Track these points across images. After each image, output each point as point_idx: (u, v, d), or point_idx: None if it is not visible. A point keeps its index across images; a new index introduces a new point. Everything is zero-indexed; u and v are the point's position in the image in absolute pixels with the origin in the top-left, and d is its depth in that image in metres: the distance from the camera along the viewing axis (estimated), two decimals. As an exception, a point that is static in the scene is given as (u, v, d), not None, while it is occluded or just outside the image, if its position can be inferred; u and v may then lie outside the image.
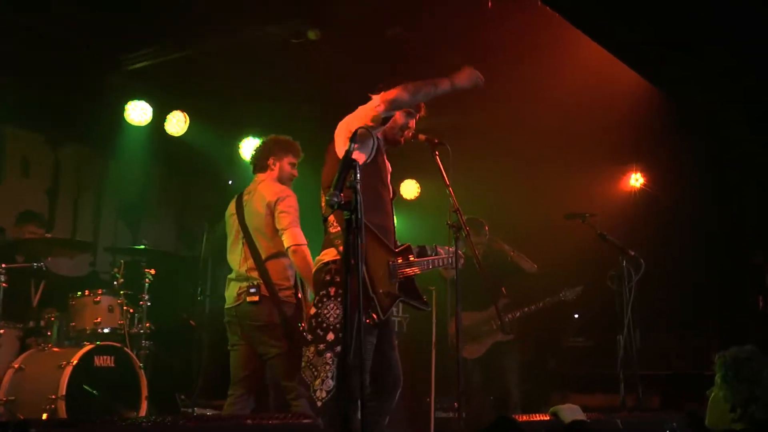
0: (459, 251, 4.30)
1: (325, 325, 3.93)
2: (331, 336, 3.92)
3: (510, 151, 8.49)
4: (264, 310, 4.70)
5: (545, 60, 6.93)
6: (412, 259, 4.21)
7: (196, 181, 8.56)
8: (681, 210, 8.64)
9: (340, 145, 4.01)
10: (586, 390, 7.41)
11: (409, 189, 9.53)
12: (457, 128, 7.49)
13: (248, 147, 8.18)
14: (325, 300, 3.97)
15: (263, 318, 4.71)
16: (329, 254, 4.04)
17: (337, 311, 3.93)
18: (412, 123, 4.44)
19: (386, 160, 4.39)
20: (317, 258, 4.15)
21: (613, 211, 8.49)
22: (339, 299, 3.93)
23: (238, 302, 4.81)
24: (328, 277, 3.98)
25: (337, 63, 7.17)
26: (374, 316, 3.97)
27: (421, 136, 4.46)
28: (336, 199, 3.22)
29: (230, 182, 8.36)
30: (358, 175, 3.27)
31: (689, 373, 7.32)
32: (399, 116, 4.33)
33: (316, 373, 3.88)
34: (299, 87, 7.64)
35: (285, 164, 4.92)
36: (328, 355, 3.90)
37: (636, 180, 9.21)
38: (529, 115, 7.87)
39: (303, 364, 3.95)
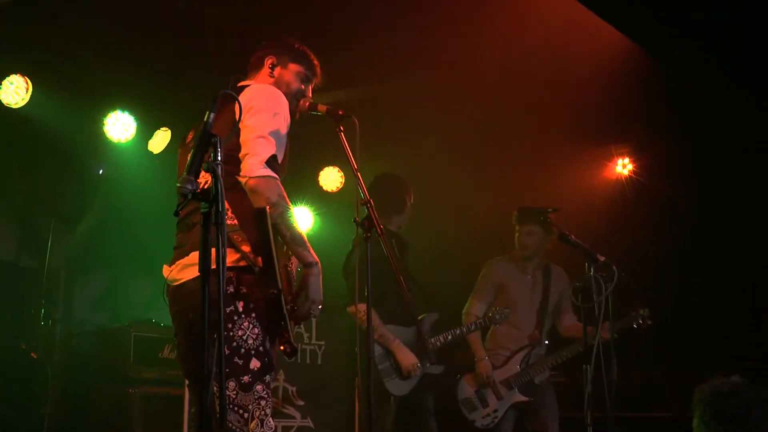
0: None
1: (243, 350, 3.89)
2: (255, 363, 3.90)
3: (451, 126, 8.55)
4: None
5: (498, 6, 7.00)
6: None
7: (43, 168, 8.41)
8: (679, 204, 8.81)
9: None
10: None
11: (331, 179, 9.57)
12: (380, 97, 7.52)
13: (115, 123, 8.06)
14: (235, 319, 3.91)
15: None
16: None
17: (256, 330, 3.90)
18: (309, 90, 4.46)
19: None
20: (192, 260, 4.02)
21: (593, 206, 8.65)
22: (254, 314, 3.90)
23: None
24: (231, 289, 3.92)
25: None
26: (291, 341, 4.00)
27: (321, 107, 4.51)
28: (190, 187, 3.17)
29: (100, 171, 8.26)
30: (219, 155, 3.21)
31: (682, 416, 7.38)
32: (291, 80, 4.43)
33: (247, 415, 3.85)
34: (180, 47, 7.60)
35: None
36: (259, 387, 3.90)
37: (623, 166, 9.38)
38: (478, 80, 7.95)
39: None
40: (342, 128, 4.44)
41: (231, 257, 3.92)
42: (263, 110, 4.03)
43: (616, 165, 9.37)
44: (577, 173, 9.07)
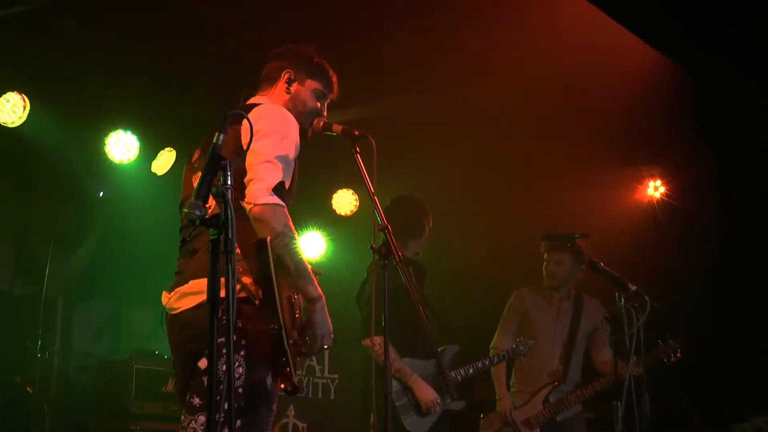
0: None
1: (221, 387, 3.85)
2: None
3: (472, 146, 8.55)
4: None
5: (524, 22, 7.04)
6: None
7: (41, 190, 8.44)
8: (714, 228, 8.74)
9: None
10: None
11: (344, 202, 9.57)
12: (396, 116, 7.51)
13: (117, 143, 8.10)
14: (224, 352, 3.87)
15: None
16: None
17: (240, 370, 3.85)
18: (324, 108, 4.45)
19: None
20: (190, 289, 4.03)
21: (622, 232, 8.60)
22: (243, 352, 3.85)
23: None
24: (225, 319, 3.91)
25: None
26: (291, 379, 3.94)
27: (336, 127, 4.47)
28: (198, 212, 3.15)
29: (102, 193, 8.28)
30: (230, 178, 3.20)
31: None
32: (308, 98, 4.37)
33: None
34: (186, 62, 7.63)
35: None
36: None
37: (655, 189, 9.36)
38: (500, 97, 7.92)
39: None
40: (358, 149, 4.41)
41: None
42: (271, 133, 3.95)
43: (648, 187, 9.34)
44: (606, 196, 9.05)
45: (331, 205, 9.55)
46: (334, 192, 9.55)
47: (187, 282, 4.00)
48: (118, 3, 6.93)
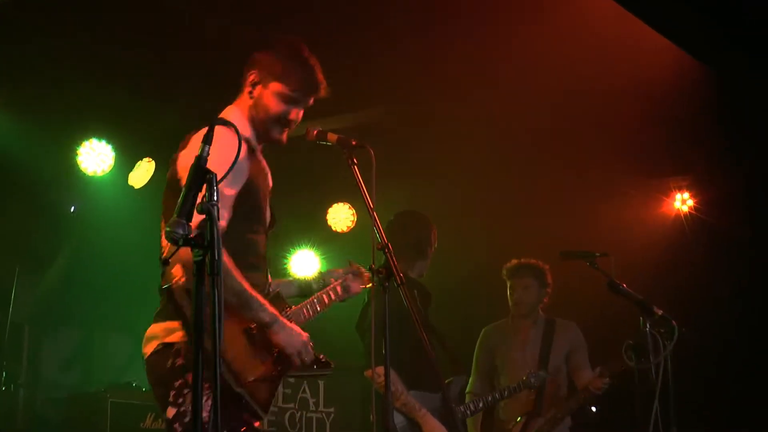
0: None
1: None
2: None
3: (481, 157, 8.56)
4: None
5: (536, 22, 7.03)
6: (288, 311, 4.33)
7: (6, 205, 8.44)
8: (747, 245, 8.77)
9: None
10: None
11: (340, 217, 9.58)
12: (397, 124, 7.52)
13: (90, 153, 8.10)
14: (185, 392, 3.94)
15: None
16: (176, 333, 4.02)
17: (209, 402, 3.89)
18: (297, 113, 4.38)
19: (264, 168, 4.37)
20: (150, 332, 4.13)
21: (646, 249, 8.61)
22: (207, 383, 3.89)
23: None
24: (180, 361, 3.99)
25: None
26: (253, 422, 4.03)
27: (331, 136, 4.48)
28: (181, 231, 3.15)
29: (72, 209, 8.25)
30: (215, 193, 3.21)
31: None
32: (271, 104, 4.32)
33: None
34: (167, 64, 7.65)
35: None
36: None
37: (682, 202, 9.39)
38: (512, 103, 7.94)
39: None
40: (355, 160, 4.42)
41: (180, 334, 4.02)
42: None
43: (674, 200, 9.38)
44: (628, 210, 9.07)
45: (326, 220, 9.56)
46: (329, 206, 9.56)
47: (152, 323, 4.15)
48: (97, 3, 6.96)
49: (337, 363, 4.49)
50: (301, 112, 4.43)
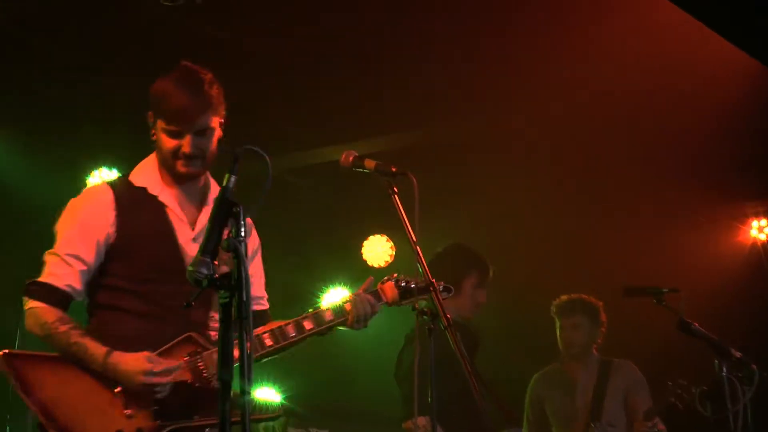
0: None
1: None
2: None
3: (531, 181, 8.56)
4: None
5: (602, 34, 7.02)
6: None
7: (5, 241, 8.49)
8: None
9: None
10: None
11: (378, 251, 9.55)
12: (438, 147, 7.51)
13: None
14: None
15: None
16: None
17: None
18: (188, 144, 4.30)
19: (164, 212, 4.39)
20: None
21: (718, 282, 8.54)
22: None
23: None
24: None
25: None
26: None
27: (369, 163, 4.51)
28: (205, 271, 3.18)
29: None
30: (243, 229, 3.22)
31: None
32: (161, 139, 4.37)
33: None
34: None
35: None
36: None
37: (760, 230, 9.33)
38: (565, 120, 7.97)
39: None
40: (396, 189, 4.42)
41: None
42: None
43: (751, 228, 9.33)
44: (700, 239, 9.04)
45: (362, 254, 9.53)
46: (365, 239, 9.53)
47: None
48: (106, 30, 7.12)
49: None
50: (194, 140, 4.32)
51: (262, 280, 4.69)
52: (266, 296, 4.70)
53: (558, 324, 7.24)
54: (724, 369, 5.66)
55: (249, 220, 4.22)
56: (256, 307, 4.21)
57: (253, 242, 4.56)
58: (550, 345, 7.41)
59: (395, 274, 4.68)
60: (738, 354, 5.68)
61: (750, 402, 5.59)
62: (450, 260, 6.57)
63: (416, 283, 4.52)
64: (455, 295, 6.43)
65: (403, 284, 4.60)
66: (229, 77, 7.11)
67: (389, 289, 4.62)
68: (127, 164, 8.01)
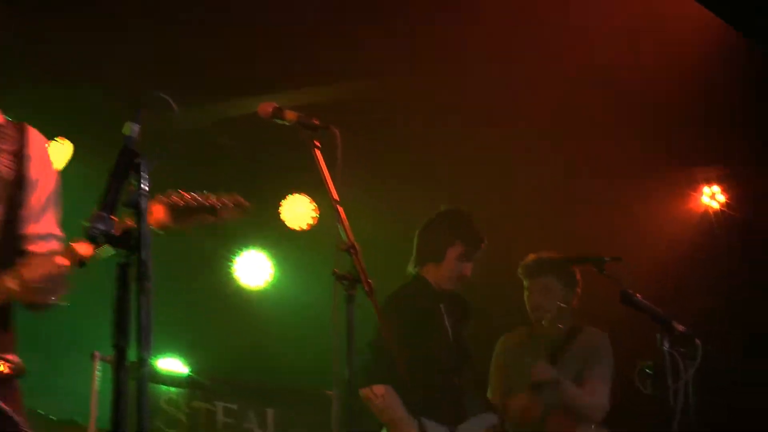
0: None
1: None
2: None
3: (480, 142, 8.57)
4: None
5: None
6: None
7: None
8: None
9: None
10: None
11: (298, 212, 9.50)
12: (373, 100, 7.52)
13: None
14: None
15: None
16: None
17: None
18: None
19: None
20: None
21: (669, 251, 8.65)
22: None
23: None
24: None
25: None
26: None
27: (290, 114, 4.52)
28: (101, 227, 3.11)
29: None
30: (145, 181, 3.17)
31: None
32: None
33: None
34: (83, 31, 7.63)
35: None
36: None
37: (711, 197, 9.46)
38: (524, 80, 7.97)
39: None
40: (318, 144, 4.44)
41: None
42: None
43: (703, 194, 9.45)
44: (649, 206, 9.11)
45: (279, 216, 9.47)
46: (284, 198, 9.46)
47: None
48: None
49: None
50: None
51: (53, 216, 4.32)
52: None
53: (525, 285, 7.13)
54: (666, 343, 5.69)
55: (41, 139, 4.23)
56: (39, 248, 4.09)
57: (44, 163, 4.37)
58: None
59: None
60: (681, 327, 5.70)
61: (692, 379, 5.63)
62: (439, 225, 6.65)
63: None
64: (438, 262, 6.51)
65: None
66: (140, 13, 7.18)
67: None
68: (26, 113, 8.06)
